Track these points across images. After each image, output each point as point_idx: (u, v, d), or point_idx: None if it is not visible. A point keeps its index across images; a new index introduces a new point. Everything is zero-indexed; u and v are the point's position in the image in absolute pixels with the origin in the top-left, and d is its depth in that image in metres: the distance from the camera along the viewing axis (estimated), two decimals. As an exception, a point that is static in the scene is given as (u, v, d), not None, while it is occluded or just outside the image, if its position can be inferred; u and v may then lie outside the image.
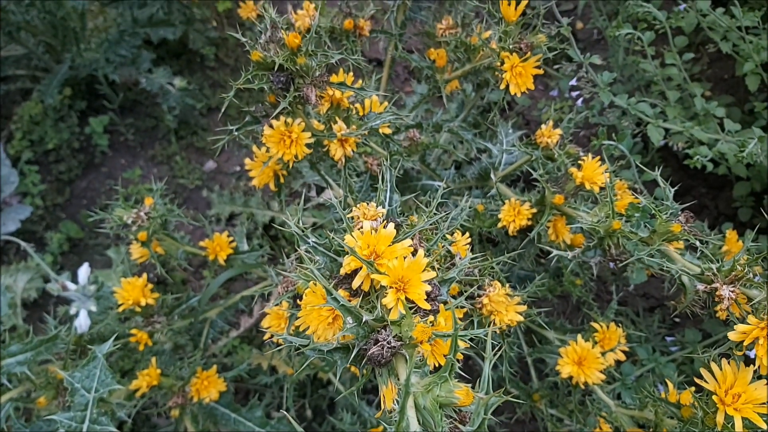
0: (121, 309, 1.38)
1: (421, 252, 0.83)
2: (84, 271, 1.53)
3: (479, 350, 1.48)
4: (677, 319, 2.12)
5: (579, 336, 1.44)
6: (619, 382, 1.57)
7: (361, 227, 0.90)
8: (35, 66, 2.61)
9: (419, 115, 1.87)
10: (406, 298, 0.80)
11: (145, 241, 1.37)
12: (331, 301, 0.75)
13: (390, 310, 0.79)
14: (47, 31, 2.39)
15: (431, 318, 0.83)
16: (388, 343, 0.73)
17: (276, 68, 1.04)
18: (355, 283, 0.85)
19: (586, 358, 1.40)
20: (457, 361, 0.66)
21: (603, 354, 1.44)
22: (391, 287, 0.80)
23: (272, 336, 1.30)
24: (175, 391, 1.43)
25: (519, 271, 1.87)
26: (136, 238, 1.36)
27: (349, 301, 0.89)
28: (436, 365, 0.85)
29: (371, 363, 0.75)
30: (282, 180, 1.33)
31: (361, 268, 0.85)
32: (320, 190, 2.01)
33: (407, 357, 0.72)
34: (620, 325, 1.50)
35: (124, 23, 2.51)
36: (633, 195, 1.50)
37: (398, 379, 0.77)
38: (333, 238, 0.89)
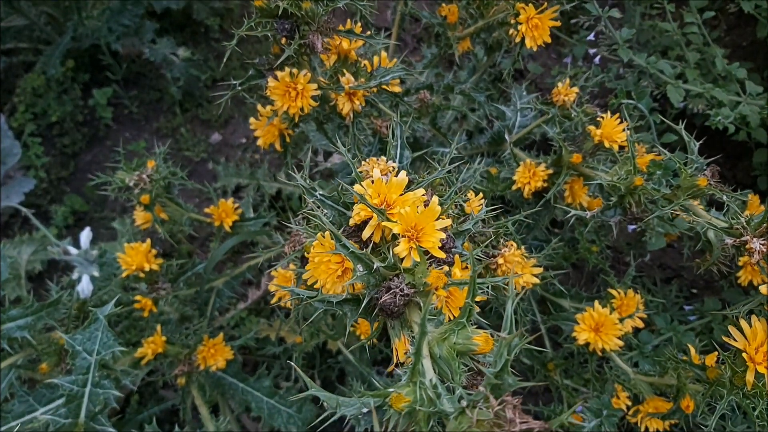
0: (124, 275, 1.35)
1: (435, 199, 0.78)
2: (85, 235, 1.49)
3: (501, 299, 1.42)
4: (694, 290, 2.07)
5: (596, 302, 1.40)
6: (636, 351, 1.53)
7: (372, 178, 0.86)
8: (37, 38, 2.56)
9: (429, 79, 1.81)
10: (420, 247, 0.76)
11: (147, 204, 1.33)
12: (341, 248, 0.71)
13: (403, 259, 0.75)
14: (49, 1, 2.34)
15: (446, 268, 0.78)
16: (401, 290, 0.68)
17: (280, 14, 0.98)
18: (366, 234, 0.80)
19: (603, 324, 1.35)
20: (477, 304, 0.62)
21: (621, 320, 1.39)
22: (403, 236, 0.76)
23: (280, 300, 1.26)
24: (181, 359, 1.40)
25: (532, 240, 1.81)
26: (139, 201, 1.32)
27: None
28: (451, 318, 0.80)
29: (383, 313, 0.71)
30: (288, 140, 1.28)
31: (371, 218, 0.81)
32: (328, 155, 1.96)
33: (421, 305, 0.67)
34: (638, 293, 1.45)
35: (126, -8, 2.45)
36: (654, 154, 1.45)
37: (411, 332, 0.73)
38: (341, 189, 0.84)
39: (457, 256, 0.80)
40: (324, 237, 0.83)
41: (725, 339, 0.93)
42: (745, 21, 2.45)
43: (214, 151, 2.52)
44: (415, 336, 0.60)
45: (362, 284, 0.71)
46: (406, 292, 0.68)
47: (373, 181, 0.83)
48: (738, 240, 0.93)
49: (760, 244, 0.90)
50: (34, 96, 2.45)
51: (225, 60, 1.07)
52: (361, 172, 1.00)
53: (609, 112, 1.31)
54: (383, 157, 1.02)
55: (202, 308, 1.61)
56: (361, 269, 0.71)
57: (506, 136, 1.45)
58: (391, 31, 1.66)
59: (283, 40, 1.01)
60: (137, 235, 1.64)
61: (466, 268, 0.82)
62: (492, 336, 0.62)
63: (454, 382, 0.57)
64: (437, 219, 0.77)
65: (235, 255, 2.22)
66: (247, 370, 2.01)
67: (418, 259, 0.69)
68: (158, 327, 1.38)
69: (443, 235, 0.75)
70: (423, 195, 0.84)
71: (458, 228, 0.85)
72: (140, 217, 1.41)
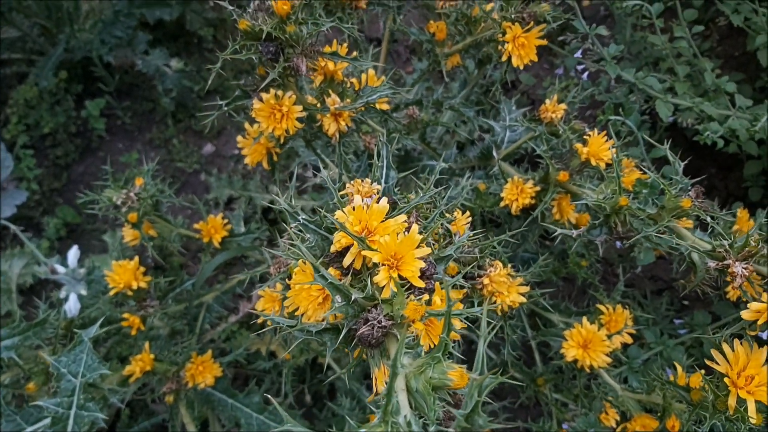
0: (112, 293, 1.34)
1: (415, 227, 0.79)
2: (73, 254, 1.49)
3: (479, 332, 1.44)
4: (686, 302, 2.07)
5: (584, 318, 1.40)
6: (625, 365, 1.53)
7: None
8: (30, 49, 2.56)
9: (420, 93, 1.81)
10: (399, 276, 0.76)
11: (135, 222, 1.33)
12: (319, 278, 0.71)
13: (382, 288, 0.75)
14: (41, 12, 2.34)
15: (426, 297, 0.79)
16: (378, 322, 0.68)
17: (264, 37, 0.99)
18: (346, 261, 0.80)
19: (591, 341, 1.36)
20: (453, 341, 0.62)
21: (609, 337, 1.40)
22: (383, 264, 0.76)
23: (265, 320, 1.26)
24: (170, 376, 1.40)
25: (523, 253, 1.82)
26: (127, 220, 1.32)
27: (340, 280, 0.85)
28: (432, 346, 0.80)
29: (362, 344, 0.71)
30: (276, 158, 1.28)
31: (352, 245, 0.81)
32: (318, 170, 1.96)
33: (399, 337, 0.67)
34: (627, 307, 1.45)
35: (119, 3, 2.46)
36: (641, 171, 1.45)
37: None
38: (323, 214, 0.84)
39: (438, 283, 0.80)
40: (305, 264, 0.83)
41: (708, 363, 0.93)
42: (737, 31, 2.46)
43: (206, 162, 2.52)
44: (389, 374, 0.60)
45: (341, 314, 0.71)
46: (383, 324, 0.68)
47: (354, 208, 0.83)
48: (720, 264, 0.93)
49: (743, 268, 0.90)
50: (26, 107, 2.45)
51: (215, 73, 1.07)
52: (345, 195, 1.01)
53: (596, 130, 1.32)
54: (368, 179, 1.02)
55: (192, 324, 1.61)
56: (339, 300, 0.71)
57: (494, 153, 1.45)
58: (382, 45, 1.66)
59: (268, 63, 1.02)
60: (126, 250, 1.64)
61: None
62: (469, 371, 0.62)
63: (429, 419, 0.57)
64: (417, 247, 0.77)
65: (227, 267, 2.22)
66: (238, 384, 2.01)
67: (396, 290, 0.69)
68: (146, 344, 1.38)
69: (423, 264, 0.76)
70: (405, 221, 0.84)
71: (440, 254, 0.85)
72: (129, 234, 1.41)
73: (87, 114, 2.52)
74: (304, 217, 0.91)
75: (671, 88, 1.80)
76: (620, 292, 1.49)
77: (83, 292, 1.41)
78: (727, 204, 2.30)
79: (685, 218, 1.11)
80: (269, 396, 1.05)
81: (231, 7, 1.02)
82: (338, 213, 0.83)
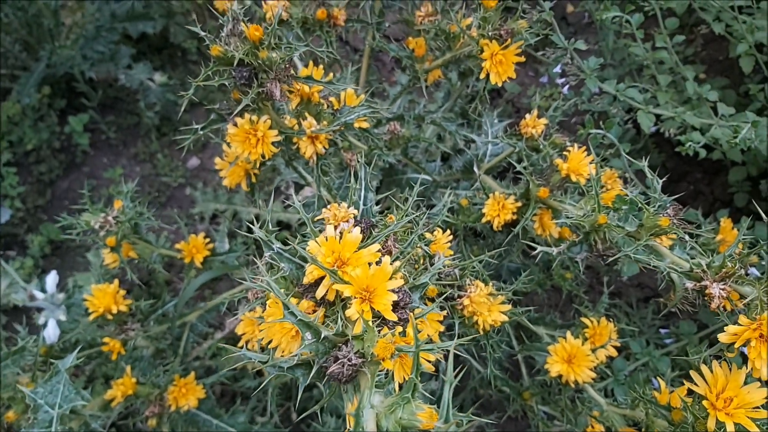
0: (92, 318, 1.33)
1: (386, 259, 0.78)
2: (52, 279, 1.48)
3: (467, 350, 1.43)
4: (673, 309, 2.07)
5: (569, 332, 1.39)
6: (611, 378, 1.52)
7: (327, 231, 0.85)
8: (13, 65, 2.54)
9: (402, 105, 1.80)
10: (373, 309, 0.75)
11: (114, 246, 1.31)
12: (288, 315, 0.70)
13: (355, 321, 0.74)
14: (22, 29, 2.32)
15: (399, 329, 0.78)
16: (349, 360, 0.67)
17: (237, 62, 0.98)
18: (319, 293, 0.80)
19: (575, 356, 1.35)
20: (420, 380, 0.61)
21: (594, 351, 1.39)
22: (355, 297, 0.75)
23: (246, 343, 1.26)
24: (152, 400, 1.39)
25: (509, 264, 1.81)
26: (105, 244, 1.30)
27: (315, 311, 0.84)
28: (406, 378, 0.80)
29: (333, 381, 0.70)
30: (254, 179, 1.27)
31: (325, 276, 0.80)
32: (300, 188, 1.96)
33: (369, 376, 0.66)
34: (612, 319, 1.45)
35: (102, 18, 2.44)
36: (621, 187, 1.45)
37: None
38: (295, 245, 0.83)
39: (411, 314, 0.79)
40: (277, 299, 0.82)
41: (686, 384, 0.93)
42: (721, 36, 2.47)
43: (192, 176, 2.51)
44: (359, 412, 0.59)
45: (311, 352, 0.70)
46: (354, 361, 0.67)
47: (327, 238, 0.82)
48: (698, 284, 0.93)
49: (720, 289, 0.90)
50: (9, 124, 2.43)
51: (182, 111, 1.07)
52: (321, 219, 1.00)
53: (576, 145, 1.31)
54: (344, 204, 1.01)
55: (175, 343, 1.60)
56: (309, 337, 0.70)
57: (475, 169, 1.45)
58: (363, 60, 1.66)
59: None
60: (110, 270, 1.63)
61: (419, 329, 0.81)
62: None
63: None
64: (390, 279, 0.77)
65: (214, 282, 2.21)
66: (225, 401, 2.00)
67: (367, 326, 0.69)
68: (128, 368, 1.37)
69: (395, 297, 0.75)
70: (379, 250, 0.84)
71: (415, 282, 0.84)
72: (108, 257, 1.40)
73: (70, 129, 2.50)
74: (278, 246, 0.90)
75: (654, 97, 1.80)
76: (605, 305, 1.48)
77: (62, 318, 1.40)
78: (714, 209, 2.30)
79: (664, 236, 1.11)
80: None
81: (203, 33, 1.01)
82: (311, 243, 0.82)
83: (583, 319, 1.45)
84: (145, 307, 1.45)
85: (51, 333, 1.35)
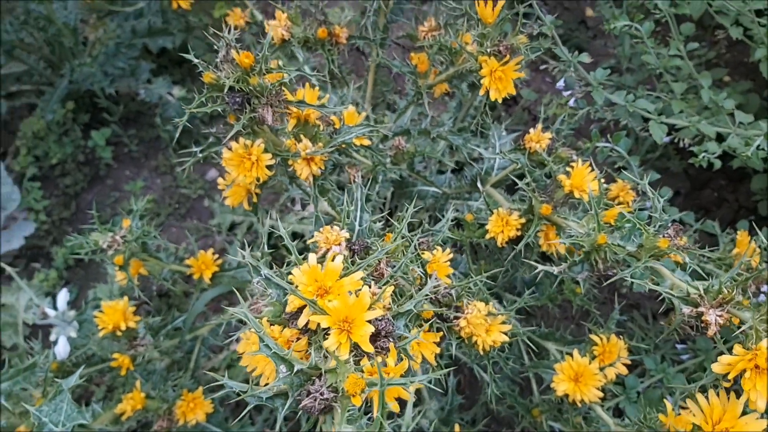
0: (101, 334, 1.36)
1: (365, 289, 0.78)
2: (62, 297, 1.52)
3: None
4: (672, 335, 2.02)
5: (576, 351, 1.37)
6: (623, 395, 1.49)
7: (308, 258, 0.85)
8: (38, 81, 2.62)
9: (411, 118, 1.80)
10: (350, 340, 0.75)
11: (122, 265, 1.34)
12: (264, 348, 0.70)
13: (334, 352, 0.74)
14: (43, 48, 2.39)
15: (380, 359, 0.78)
16: (321, 394, 0.68)
17: (227, 89, 0.99)
18: (300, 322, 0.80)
19: (582, 375, 1.33)
20: (388, 415, 0.61)
21: (602, 369, 1.37)
22: (334, 328, 0.75)
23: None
24: (161, 414, 1.41)
25: (523, 275, 1.79)
26: (112, 263, 1.33)
27: (299, 338, 0.85)
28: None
29: (307, 413, 0.71)
30: (255, 199, 1.29)
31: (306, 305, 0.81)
32: (306, 205, 1.97)
33: (339, 411, 0.66)
34: (621, 336, 1.41)
35: (122, 35, 2.50)
36: (633, 200, 1.42)
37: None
38: (272, 276, 0.84)
39: (392, 344, 0.79)
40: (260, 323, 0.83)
41: (683, 413, 0.90)
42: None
43: (210, 188, 2.55)
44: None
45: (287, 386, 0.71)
46: (325, 396, 0.67)
47: (309, 266, 0.83)
48: (695, 310, 0.90)
49: (717, 315, 0.87)
50: (35, 139, 2.50)
51: (176, 137, 1.08)
52: (314, 242, 1.01)
53: (580, 160, 1.29)
54: (336, 227, 1.02)
55: (187, 357, 1.62)
56: (284, 370, 0.70)
57: (478, 184, 1.44)
58: (368, 76, 1.66)
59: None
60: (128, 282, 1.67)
61: (402, 359, 0.81)
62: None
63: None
64: (369, 309, 0.77)
65: (230, 294, 2.24)
66: (239, 411, 2.02)
67: (338, 361, 0.69)
68: (137, 383, 1.40)
69: (372, 328, 0.75)
70: (362, 279, 0.84)
71: (399, 310, 0.84)
72: (119, 275, 1.43)
73: (94, 144, 2.57)
74: (266, 272, 0.91)
75: (670, 106, 1.75)
76: (615, 321, 1.45)
77: (73, 335, 1.44)
78: (739, 216, 2.23)
79: (666, 255, 1.08)
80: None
81: (196, 60, 1.03)
82: (294, 271, 0.83)
83: (592, 337, 1.42)
84: (155, 323, 1.47)
85: (61, 349, 1.39)
